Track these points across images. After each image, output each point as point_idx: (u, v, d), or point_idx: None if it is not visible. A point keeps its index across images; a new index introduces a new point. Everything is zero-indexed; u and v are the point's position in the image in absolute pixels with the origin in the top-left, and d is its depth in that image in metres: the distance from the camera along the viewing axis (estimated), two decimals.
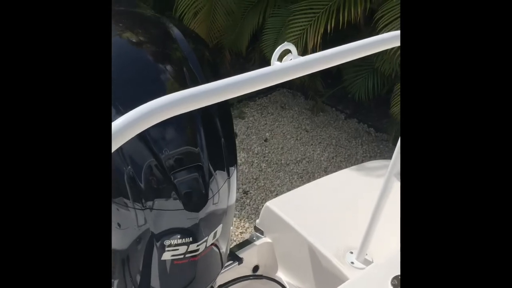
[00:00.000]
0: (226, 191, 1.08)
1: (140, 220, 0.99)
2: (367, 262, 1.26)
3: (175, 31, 1.15)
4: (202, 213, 1.01)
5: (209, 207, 1.02)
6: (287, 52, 0.78)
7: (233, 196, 1.12)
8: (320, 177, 3.14)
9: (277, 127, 3.60)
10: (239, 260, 1.38)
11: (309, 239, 1.36)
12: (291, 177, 3.06)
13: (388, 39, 0.79)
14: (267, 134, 3.50)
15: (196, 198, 1.00)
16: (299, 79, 3.82)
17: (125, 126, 0.55)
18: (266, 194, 2.89)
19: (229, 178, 1.08)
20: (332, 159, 3.28)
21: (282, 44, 0.78)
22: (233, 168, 1.10)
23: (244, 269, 1.43)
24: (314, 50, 3.08)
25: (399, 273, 0.78)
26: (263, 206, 2.79)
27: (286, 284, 1.36)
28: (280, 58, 0.75)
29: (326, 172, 3.15)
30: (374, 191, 1.54)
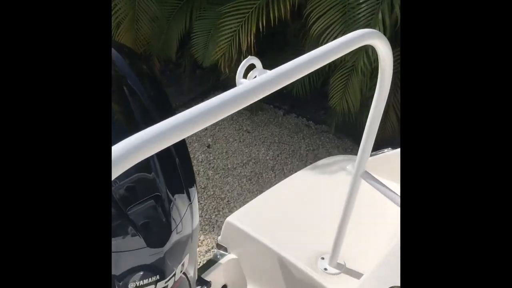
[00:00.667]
0: (189, 216, 1.00)
1: None
2: (340, 267, 1.23)
3: (114, 53, 1.05)
4: (167, 247, 0.92)
5: (174, 238, 0.94)
6: (251, 67, 0.71)
7: (197, 218, 1.04)
8: (268, 177, 3.12)
9: (218, 131, 3.52)
10: (207, 284, 1.30)
11: (276, 250, 1.31)
12: (240, 181, 3.01)
13: (355, 39, 0.75)
14: (209, 140, 3.41)
15: (158, 232, 0.91)
16: (233, 80, 3.76)
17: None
18: (217, 202, 2.81)
19: (191, 202, 1.00)
20: (277, 156, 3.26)
21: (245, 60, 0.71)
22: (193, 189, 1.02)
23: None
24: (249, 50, 3.04)
25: (392, 285, 0.74)
26: (216, 216, 2.73)
27: None
28: (245, 75, 0.69)
29: (274, 171, 3.13)
30: (335, 191, 1.52)
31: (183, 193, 0.99)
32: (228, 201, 2.84)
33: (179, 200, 0.97)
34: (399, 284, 0.76)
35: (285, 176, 3.15)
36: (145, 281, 0.92)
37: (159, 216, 0.92)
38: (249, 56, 0.72)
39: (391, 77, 0.90)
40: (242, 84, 0.61)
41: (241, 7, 2.91)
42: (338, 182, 1.54)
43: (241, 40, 2.94)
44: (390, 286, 0.74)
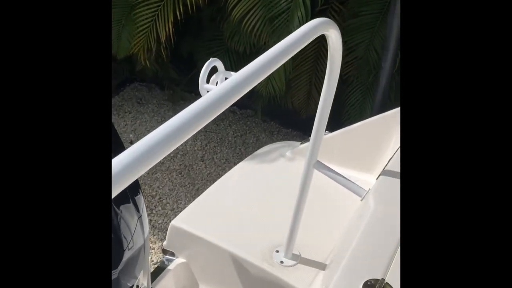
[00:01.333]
0: (139, 229, 0.92)
1: None
2: (296, 257, 1.22)
3: None
4: (120, 266, 0.84)
5: (127, 256, 0.85)
6: (214, 70, 0.64)
7: (147, 228, 0.96)
8: (199, 168, 3.05)
9: (139, 125, 3.36)
10: None
11: (227, 248, 1.27)
12: (170, 176, 2.90)
13: (313, 29, 0.71)
14: (131, 135, 3.24)
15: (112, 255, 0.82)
16: (150, 70, 3.60)
17: None
18: (148, 200, 2.68)
19: (141, 215, 0.92)
20: (205, 146, 3.19)
21: (208, 63, 0.64)
22: (139, 196, 0.94)
23: None
24: (168, 40, 2.91)
25: (367, 278, 0.73)
26: (149, 215, 2.61)
27: None
28: (207, 80, 0.62)
29: (204, 161, 3.06)
30: (279, 180, 1.50)
31: (130, 203, 0.90)
32: (159, 198, 2.73)
33: (126, 212, 0.89)
34: (372, 277, 0.76)
35: (216, 165, 3.10)
36: None
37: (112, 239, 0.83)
38: (211, 58, 0.65)
39: (340, 64, 0.89)
40: (211, 90, 0.55)
41: None
42: (281, 172, 1.53)
43: (158, 30, 2.80)
44: (366, 280, 0.73)
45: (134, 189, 0.94)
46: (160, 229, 2.48)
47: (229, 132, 3.35)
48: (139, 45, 2.96)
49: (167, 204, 2.68)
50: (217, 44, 3.23)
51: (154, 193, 2.75)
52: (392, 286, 0.72)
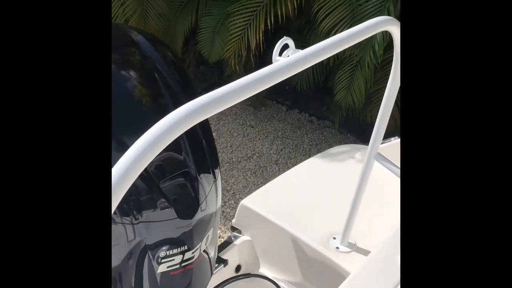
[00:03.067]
0: (214, 194, 1.06)
1: (130, 235, 0.95)
2: (352, 246, 1.30)
3: (139, 38, 1.11)
4: (195, 220, 0.98)
5: (201, 212, 1.00)
6: (285, 47, 0.78)
7: (220, 198, 1.11)
8: (272, 170, 3.19)
9: (222, 126, 3.59)
10: (224, 262, 1.37)
11: (290, 230, 1.38)
12: (244, 174, 3.07)
13: (377, 24, 0.81)
14: (214, 134, 3.47)
15: (188, 205, 0.98)
16: (238, 76, 3.83)
17: (159, 136, 0.53)
18: (223, 194, 2.87)
19: (216, 180, 1.06)
20: (281, 151, 3.33)
21: (281, 40, 0.78)
22: (217, 170, 1.08)
23: (227, 270, 1.42)
24: (258, 48, 3.11)
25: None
26: (223, 207, 2.79)
27: (279, 282, 1.37)
28: (280, 54, 0.75)
29: (278, 164, 3.20)
30: (344, 176, 1.59)
31: (209, 173, 1.05)
32: (233, 193, 2.91)
33: (205, 179, 1.03)
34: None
35: (289, 169, 3.23)
36: (174, 251, 0.98)
37: (188, 190, 0.98)
38: (284, 37, 0.78)
39: None
40: (279, 61, 0.68)
41: (249, 5, 2.98)
42: (348, 168, 1.62)
43: (250, 38, 3.00)
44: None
45: (214, 161, 1.08)
46: (229, 220, 2.65)
47: (305, 140, 3.46)
48: (231, 51, 3.17)
49: (240, 199, 2.84)
50: None
51: (229, 188, 2.94)
52: None
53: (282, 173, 3.10)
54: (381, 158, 1.11)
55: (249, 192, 2.99)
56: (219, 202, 1.10)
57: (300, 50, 0.73)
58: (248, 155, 3.26)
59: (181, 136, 1.04)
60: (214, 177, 1.07)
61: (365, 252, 1.28)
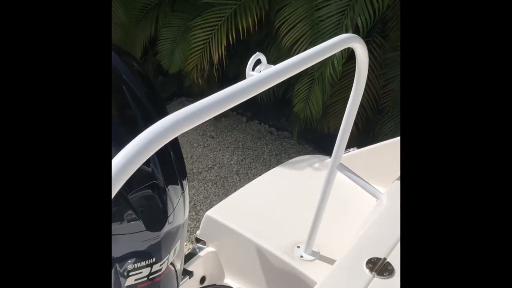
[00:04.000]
0: (182, 206, 1.07)
1: None
2: (315, 254, 1.34)
3: None
4: (163, 232, 0.99)
5: (169, 224, 1.00)
6: (258, 62, 0.81)
7: (187, 210, 1.11)
8: (233, 181, 3.21)
9: (182, 136, 3.56)
10: (190, 274, 1.37)
11: (255, 240, 1.40)
12: (205, 185, 3.07)
13: (342, 41, 0.85)
14: None
15: (156, 217, 0.98)
16: (197, 87, 3.84)
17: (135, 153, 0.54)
18: None
19: (183, 192, 1.07)
20: (241, 161, 3.35)
21: (254, 55, 0.81)
22: (185, 181, 1.09)
23: (192, 282, 1.42)
24: (220, 63, 3.13)
25: (371, 256, 0.85)
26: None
27: None
28: (253, 69, 0.78)
29: (238, 175, 3.21)
30: (307, 185, 1.63)
31: (177, 185, 1.05)
32: (194, 204, 2.90)
33: (173, 191, 1.04)
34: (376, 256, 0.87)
35: (250, 179, 3.25)
36: (142, 263, 0.98)
37: (156, 202, 0.98)
38: (257, 52, 0.81)
39: (366, 75, 1.02)
40: (253, 76, 0.70)
41: (210, 19, 3.00)
42: (310, 178, 1.66)
43: (212, 52, 3.03)
44: (369, 258, 0.84)
45: (182, 173, 1.09)
46: (191, 232, 2.64)
47: (265, 151, 3.50)
48: (193, 64, 3.18)
49: (201, 211, 2.84)
50: None
51: (189, 199, 2.92)
52: (393, 265, 0.84)
53: (243, 184, 3.13)
54: (343, 168, 1.16)
55: (210, 203, 2.98)
56: (187, 214, 1.11)
57: (272, 66, 0.76)
58: (209, 166, 3.26)
59: None
60: (182, 188, 1.07)
61: (329, 260, 1.31)
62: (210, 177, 3.15)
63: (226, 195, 3.04)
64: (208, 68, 3.21)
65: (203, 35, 3.05)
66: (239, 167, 3.30)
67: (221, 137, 3.59)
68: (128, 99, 1.04)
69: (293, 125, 3.45)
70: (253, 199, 1.57)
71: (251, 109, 3.88)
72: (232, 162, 3.33)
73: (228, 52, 3.19)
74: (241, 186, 3.10)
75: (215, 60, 3.05)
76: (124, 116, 1.05)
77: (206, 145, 3.48)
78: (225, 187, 3.07)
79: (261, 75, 0.70)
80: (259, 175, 3.25)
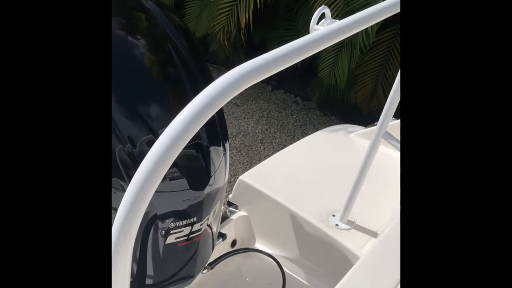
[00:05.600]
0: (223, 167, 1.05)
1: None
2: (351, 223, 1.32)
3: (149, 3, 1.07)
4: (205, 192, 0.97)
5: (211, 185, 0.99)
6: (322, 16, 0.76)
7: (228, 172, 1.10)
8: (257, 149, 3.19)
9: None
10: (223, 237, 1.36)
11: (288, 206, 1.38)
12: (230, 152, 3.05)
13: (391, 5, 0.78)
14: None
15: (199, 177, 0.96)
16: (223, 52, 3.78)
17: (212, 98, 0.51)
18: None
19: (225, 153, 1.05)
20: (266, 130, 3.32)
21: (319, 9, 0.76)
22: (227, 144, 1.07)
23: (224, 245, 1.42)
24: (247, 28, 3.07)
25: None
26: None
27: (276, 257, 1.38)
28: (317, 23, 0.74)
29: (263, 144, 3.19)
30: (342, 154, 1.60)
31: (220, 146, 1.03)
32: None
33: (215, 152, 1.02)
34: None
35: (274, 149, 3.23)
36: (183, 222, 0.97)
37: (200, 162, 0.97)
38: (322, 6, 0.77)
39: None
40: (318, 30, 0.66)
41: None
42: (344, 147, 1.63)
43: (239, 15, 2.96)
44: None
45: (224, 134, 1.07)
46: None
47: (290, 121, 3.47)
48: (219, 26, 3.12)
49: None
50: (291, 33, 3.35)
51: None
52: None
53: (267, 153, 3.12)
54: (389, 136, 1.12)
55: (235, 170, 2.98)
56: (227, 176, 1.09)
57: (337, 20, 0.72)
58: (234, 134, 3.24)
59: None
60: (224, 150, 1.05)
61: (365, 230, 1.29)
62: (235, 144, 3.14)
63: (250, 163, 3.04)
64: (235, 32, 3.14)
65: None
66: (264, 136, 3.27)
67: (246, 105, 3.55)
68: (172, 56, 1.01)
69: (315, 90, 3.40)
70: (287, 166, 1.55)
71: (277, 78, 3.82)
72: (256, 131, 3.30)
73: (255, 18, 3.12)
74: (265, 155, 3.11)
75: (242, 23, 2.99)
76: (167, 73, 1.03)
77: (231, 113, 3.45)
78: (249, 155, 3.06)
79: (326, 29, 0.66)
80: (284, 145, 3.25)
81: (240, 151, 3.08)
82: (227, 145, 1.06)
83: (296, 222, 1.37)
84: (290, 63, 0.63)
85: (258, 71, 0.60)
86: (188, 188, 0.94)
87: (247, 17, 2.96)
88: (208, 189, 0.98)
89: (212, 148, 1.00)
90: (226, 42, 3.24)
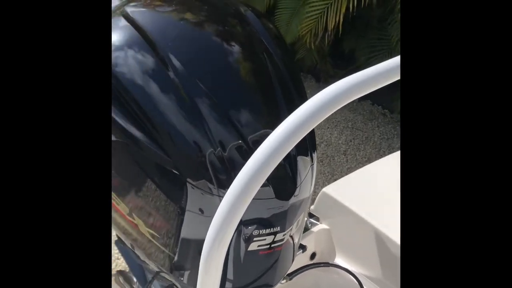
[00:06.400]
0: (310, 178, 1.03)
1: None
2: None
3: (247, 12, 1.09)
4: (290, 202, 0.96)
5: (296, 196, 0.98)
6: None
7: (313, 184, 1.08)
8: (340, 161, 3.13)
9: None
10: (303, 248, 1.34)
11: (373, 223, 1.33)
12: None
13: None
14: None
15: (285, 186, 0.95)
16: (309, 60, 3.76)
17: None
18: None
19: (313, 164, 1.03)
20: (350, 142, 3.25)
21: None
22: (314, 154, 1.05)
23: (303, 257, 1.40)
24: (335, 30, 3.03)
25: None
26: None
27: (356, 274, 1.33)
28: None
29: (346, 155, 3.13)
30: None
31: (307, 156, 1.02)
32: None
33: (304, 162, 1.01)
34: None
35: (357, 161, 3.15)
36: (267, 230, 0.96)
37: (286, 171, 0.96)
38: None
39: None
40: None
41: None
42: None
43: (328, 19, 2.93)
44: None
45: (312, 145, 1.05)
46: None
47: (376, 133, 3.36)
48: (307, 28, 3.10)
49: None
50: (382, 44, 3.25)
51: None
52: None
53: (350, 165, 3.04)
54: None
55: (315, 181, 2.94)
56: (312, 188, 1.07)
57: None
58: (316, 143, 3.21)
59: (283, 114, 1.02)
60: (312, 161, 1.03)
61: None
62: (317, 154, 3.10)
63: (332, 174, 2.98)
64: (321, 35, 3.10)
65: (322, 2, 2.94)
66: (347, 147, 3.20)
67: (330, 115, 3.49)
68: (267, 65, 1.01)
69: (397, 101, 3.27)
70: (374, 181, 1.49)
71: None
72: (340, 142, 3.24)
73: (346, 25, 3.07)
74: (348, 168, 3.03)
75: (330, 27, 2.94)
76: (260, 81, 1.03)
77: None
78: (331, 166, 3.01)
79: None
80: (368, 158, 3.15)
81: (322, 161, 3.04)
82: (315, 155, 1.04)
83: (380, 240, 1.31)
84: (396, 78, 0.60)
85: (363, 85, 0.57)
86: (274, 197, 0.93)
87: (336, 20, 2.91)
88: (293, 200, 0.97)
89: (299, 158, 0.99)
90: (313, 45, 3.21)
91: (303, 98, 1.04)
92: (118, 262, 2.22)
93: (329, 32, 3.04)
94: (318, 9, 2.97)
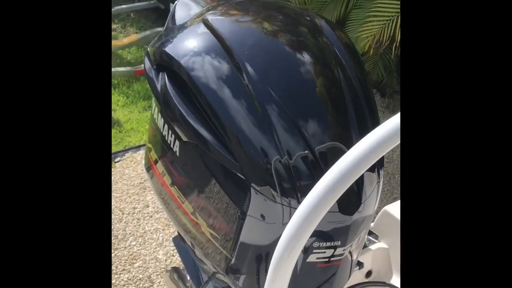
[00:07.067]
0: (374, 195, 1.01)
1: (286, 217, 0.94)
2: None
3: (322, 23, 1.09)
4: (353, 217, 0.95)
5: (360, 212, 0.96)
6: None
7: (378, 202, 1.05)
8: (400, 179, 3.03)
9: None
10: (360, 265, 1.32)
11: None
12: None
13: None
14: None
15: (350, 201, 0.94)
16: (376, 74, 3.69)
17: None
18: None
19: (379, 181, 1.01)
20: None
21: None
22: (381, 171, 1.03)
23: (359, 274, 1.37)
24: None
25: None
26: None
27: None
28: None
29: None
30: None
31: (374, 172, 1.00)
32: None
33: (370, 178, 0.99)
34: None
35: None
36: (327, 244, 0.96)
37: (352, 186, 0.94)
38: None
39: None
40: None
41: None
42: None
43: (397, 28, 2.84)
44: None
45: (380, 160, 1.03)
46: None
47: None
48: (369, 32, 3.01)
49: None
50: None
51: None
52: None
53: None
54: None
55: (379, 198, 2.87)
56: (377, 206, 1.05)
57: None
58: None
59: (352, 128, 1.00)
60: (378, 177, 1.02)
61: None
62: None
63: (391, 193, 2.89)
64: (386, 44, 2.97)
65: (392, 7, 2.85)
66: None
67: None
68: (339, 77, 1.01)
69: None
70: None
71: None
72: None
73: None
74: None
75: (398, 37, 2.83)
76: (331, 93, 1.02)
77: None
78: (391, 184, 2.93)
79: None
80: None
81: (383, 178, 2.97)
82: (381, 172, 1.03)
83: None
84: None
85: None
86: (337, 211, 0.92)
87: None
88: (356, 216, 0.95)
89: (366, 174, 0.98)
90: (371, 50, 3.12)
91: (374, 113, 1.03)
92: (173, 259, 2.27)
93: (397, 43, 2.95)
94: (386, 14, 2.89)
